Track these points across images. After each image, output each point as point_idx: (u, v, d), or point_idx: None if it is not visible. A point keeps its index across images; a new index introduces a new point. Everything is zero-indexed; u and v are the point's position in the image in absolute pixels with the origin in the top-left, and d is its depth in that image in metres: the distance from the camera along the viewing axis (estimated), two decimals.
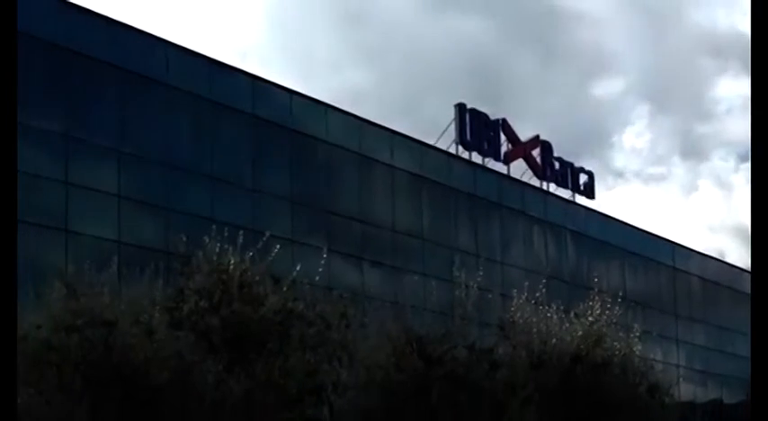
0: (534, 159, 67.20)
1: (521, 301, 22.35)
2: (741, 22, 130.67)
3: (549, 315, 22.18)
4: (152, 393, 15.71)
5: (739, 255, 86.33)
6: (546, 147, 68.02)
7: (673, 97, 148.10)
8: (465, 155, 62.82)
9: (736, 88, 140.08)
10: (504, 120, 65.51)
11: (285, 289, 24.51)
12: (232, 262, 23.88)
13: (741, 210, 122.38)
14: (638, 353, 23.66)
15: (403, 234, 57.38)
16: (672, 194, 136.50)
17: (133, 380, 15.67)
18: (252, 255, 24.98)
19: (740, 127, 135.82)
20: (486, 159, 64.00)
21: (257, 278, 23.83)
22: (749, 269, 71.82)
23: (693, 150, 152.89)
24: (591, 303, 22.88)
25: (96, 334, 15.87)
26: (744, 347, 66.62)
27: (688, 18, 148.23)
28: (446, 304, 27.20)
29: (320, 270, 31.04)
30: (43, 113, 42.28)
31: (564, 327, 21.65)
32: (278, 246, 27.10)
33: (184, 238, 28.82)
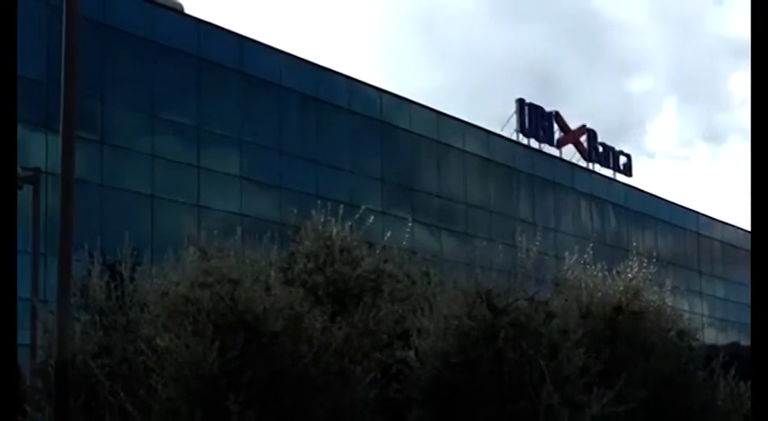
0: (582, 144, 66.94)
1: (571, 262, 22.15)
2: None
3: (594, 273, 21.97)
4: (269, 338, 15.78)
5: None
6: (591, 134, 67.76)
7: (696, 90, 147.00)
8: (524, 141, 62.71)
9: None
10: (556, 112, 65.32)
11: (377, 252, 24.46)
12: (334, 231, 23.86)
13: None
14: (669, 304, 23.39)
15: (473, 207, 57.30)
16: (696, 172, 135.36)
17: (254, 327, 15.74)
18: (350, 225, 24.97)
19: None
20: (542, 145, 63.84)
21: (355, 244, 23.80)
22: None
23: (714, 135, 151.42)
24: (630, 263, 22.62)
25: (224, 289, 15.95)
26: None
27: (708, 24, 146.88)
28: (509, 264, 27.08)
29: (406, 236, 30.98)
30: (179, 110, 42.73)
31: (607, 283, 21.44)
32: (371, 218, 27.05)
33: (295, 211, 28.88)
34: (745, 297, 72.11)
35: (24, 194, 25.10)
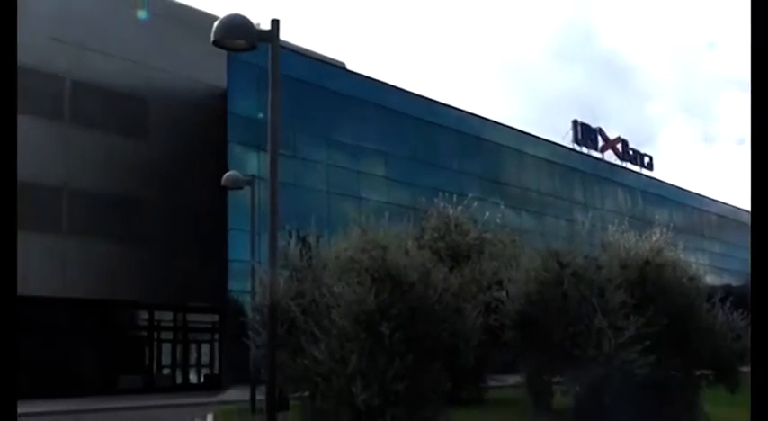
0: (618, 149, 66.36)
1: (613, 230, 21.76)
2: (744, 63, 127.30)
3: (629, 238, 21.50)
4: (408, 285, 15.81)
5: (743, 202, 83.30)
6: (624, 142, 67.20)
7: (695, 109, 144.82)
8: (578, 148, 62.22)
9: (741, 100, 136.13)
10: (600, 128, 64.83)
11: (479, 227, 24.41)
12: (450, 212, 23.88)
13: (743, 176, 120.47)
14: (681, 258, 22.78)
15: (544, 194, 56.94)
16: (697, 165, 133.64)
17: (398, 278, 15.78)
18: (460, 208, 24.93)
19: (742, 124, 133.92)
20: (590, 150, 63.36)
21: (464, 221, 23.77)
22: (749, 209, 69.62)
23: (709, 139, 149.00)
24: (653, 231, 22.11)
25: (377, 253, 16.00)
26: (742, 254, 64.74)
27: (703, 63, 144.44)
28: (570, 232, 26.93)
29: (499, 215, 30.84)
30: (344, 133, 43.18)
31: (638, 245, 20.98)
32: (475, 203, 27.00)
33: (424, 200, 28.97)
34: (734, 251, 70.52)
35: (245, 193, 25.61)
